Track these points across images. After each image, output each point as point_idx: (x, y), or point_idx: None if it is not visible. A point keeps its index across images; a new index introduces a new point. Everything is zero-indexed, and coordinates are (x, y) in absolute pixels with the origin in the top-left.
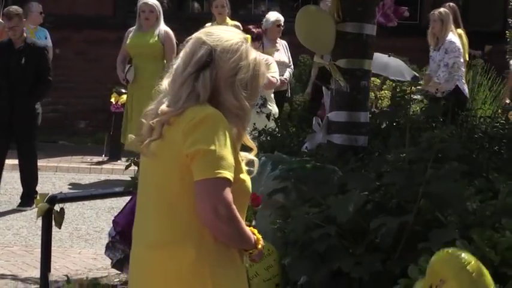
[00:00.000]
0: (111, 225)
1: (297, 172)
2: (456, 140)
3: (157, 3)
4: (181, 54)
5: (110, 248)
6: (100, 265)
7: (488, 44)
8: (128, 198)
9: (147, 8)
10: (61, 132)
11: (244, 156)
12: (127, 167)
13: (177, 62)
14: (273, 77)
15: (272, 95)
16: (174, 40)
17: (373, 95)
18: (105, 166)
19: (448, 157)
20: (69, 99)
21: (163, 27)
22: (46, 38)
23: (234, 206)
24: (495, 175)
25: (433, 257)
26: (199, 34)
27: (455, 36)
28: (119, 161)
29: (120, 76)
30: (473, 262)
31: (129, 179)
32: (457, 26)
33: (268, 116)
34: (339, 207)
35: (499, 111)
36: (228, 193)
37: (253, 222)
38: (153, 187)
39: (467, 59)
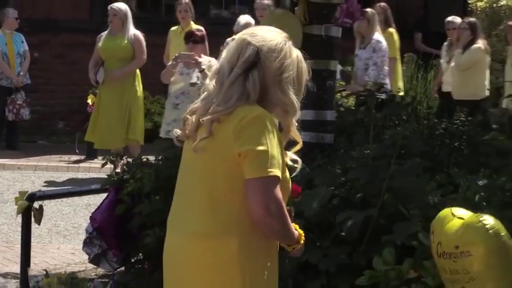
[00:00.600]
0: (89, 221)
1: None
2: (418, 137)
3: (123, 7)
4: (225, 55)
5: (87, 244)
6: (78, 260)
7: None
8: (104, 195)
9: (111, 12)
10: (40, 132)
11: (288, 155)
12: (103, 165)
13: (221, 63)
14: None
15: None
16: (144, 42)
17: (339, 94)
18: (82, 165)
19: (410, 153)
20: (48, 101)
21: (133, 31)
22: (23, 42)
23: (283, 204)
24: (455, 170)
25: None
26: (243, 35)
27: (382, 36)
28: (95, 160)
29: (91, 78)
30: (499, 225)
31: (105, 176)
32: (388, 26)
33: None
34: (306, 202)
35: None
36: (279, 191)
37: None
38: (198, 180)
39: (398, 56)
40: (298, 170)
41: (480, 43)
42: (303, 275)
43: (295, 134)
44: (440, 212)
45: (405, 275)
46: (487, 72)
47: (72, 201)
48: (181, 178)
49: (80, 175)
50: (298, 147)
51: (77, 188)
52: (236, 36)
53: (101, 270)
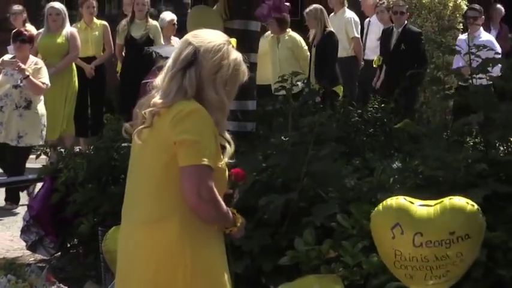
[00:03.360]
0: (26, 210)
1: None
2: (334, 124)
3: (63, 7)
4: (173, 53)
5: (25, 231)
6: (16, 246)
7: None
8: (40, 184)
9: (53, 12)
10: None
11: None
12: (37, 156)
13: (169, 60)
14: (42, 82)
15: (42, 97)
16: (78, 39)
17: None
18: None
19: (327, 139)
20: None
21: (69, 29)
22: None
23: (215, 190)
24: (370, 155)
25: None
26: (187, 36)
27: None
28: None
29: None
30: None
31: (41, 166)
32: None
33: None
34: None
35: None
36: (210, 178)
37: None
38: (142, 170)
39: None
40: (231, 151)
41: None
42: (228, 256)
43: (225, 135)
44: (392, 203)
45: (325, 255)
46: None
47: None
48: (130, 168)
49: None
50: (232, 149)
51: (15, 178)
52: (184, 36)
53: (38, 256)
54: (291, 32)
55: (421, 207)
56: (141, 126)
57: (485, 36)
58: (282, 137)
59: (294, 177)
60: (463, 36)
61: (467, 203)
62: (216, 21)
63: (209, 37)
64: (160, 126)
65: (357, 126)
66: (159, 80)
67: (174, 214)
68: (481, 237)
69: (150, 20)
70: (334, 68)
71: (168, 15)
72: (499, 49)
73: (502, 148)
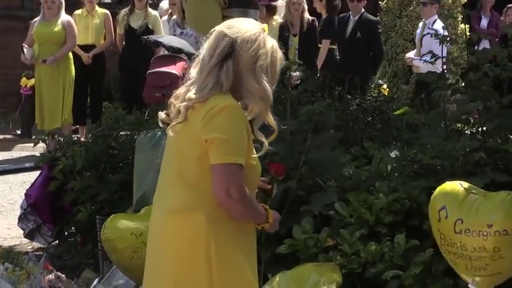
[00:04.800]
0: (23, 198)
1: None
2: (332, 113)
3: None
4: (206, 45)
5: (22, 219)
6: (14, 234)
7: None
8: (38, 172)
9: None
10: None
11: (258, 136)
12: (35, 144)
13: (203, 53)
14: None
15: None
16: (75, 28)
17: None
18: (17, 144)
19: (325, 128)
20: None
21: (65, 17)
22: None
23: (245, 188)
24: (369, 143)
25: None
26: (220, 27)
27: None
28: (30, 139)
29: (22, 59)
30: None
31: (39, 155)
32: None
33: None
34: None
35: (372, 86)
36: (240, 177)
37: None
38: (175, 161)
39: None
40: (262, 151)
41: None
42: None
43: (271, 121)
44: (445, 186)
45: (323, 243)
46: None
47: (7, 179)
48: (164, 158)
49: (15, 154)
50: (273, 136)
51: (12, 166)
52: (215, 28)
53: (36, 244)
54: (279, 19)
55: (472, 195)
56: (174, 122)
57: (439, 25)
58: (281, 126)
59: (293, 165)
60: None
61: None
62: (214, 9)
63: (245, 27)
64: (193, 121)
65: (355, 115)
66: (194, 73)
67: (202, 206)
68: None
69: (149, 9)
70: (315, 57)
71: (165, 4)
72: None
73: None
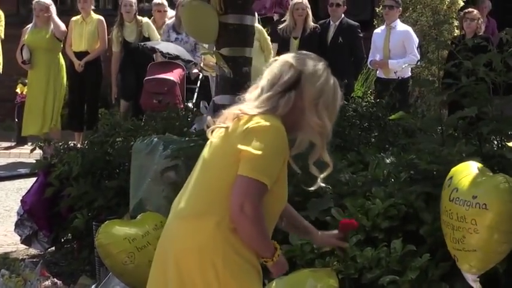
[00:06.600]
0: (20, 204)
1: (186, 151)
2: None
3: (48, 2)
4: (267, 73)
5: (18, 226)
6: (10, 241)
7: None
8: (34, 179)
9: (38, 7)
10: None
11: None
12: (31, 151)
13: (263, 81)
14: None
15: None
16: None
17: None
18: (13, 151)
19: None
20: None
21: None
22: None
23: (260, 209)
24: (365, 149)
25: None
26: (287, 57)
27: None
28: (25, 146)
29: (18, 60)
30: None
31: (35, 161)
32: None
33: None
34: None
35: (369, 92)
36: (259, 196)
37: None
38: (201, 170)
39: None
40: (314, 187)
41: None
42: None
43: (326, 157)
44: (462, 164)
45: (320, 249)
46: None
47: (3, 186)
48: (198, 161)
49: (11, 160)
50: (329, 170)
51: (8, 173)
52: (280, 58)
53: (32, 251)
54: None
55: (478, 172)
56: (218, 125)
57: (402, 27)
58: None
59: (289, 171)
60: (378, 30)
61: (507, 180)
62: (211, 16)
63: (312, 61)
64: (235, 129)
65: (352, 120)
66: (251, 97)
67: (215, 213)
68: (503, 223)
69: (139, 18)
70: None
71: (171, 12)
72: (416, 39)
73: (495, 142)
